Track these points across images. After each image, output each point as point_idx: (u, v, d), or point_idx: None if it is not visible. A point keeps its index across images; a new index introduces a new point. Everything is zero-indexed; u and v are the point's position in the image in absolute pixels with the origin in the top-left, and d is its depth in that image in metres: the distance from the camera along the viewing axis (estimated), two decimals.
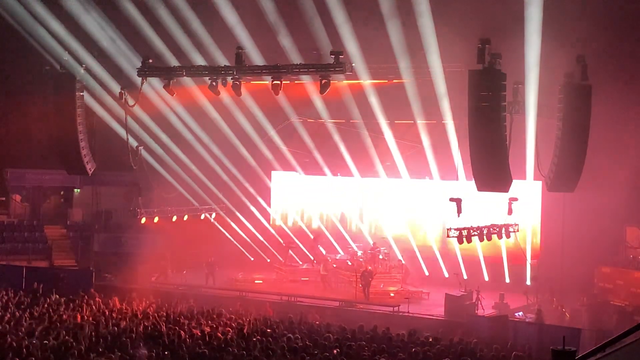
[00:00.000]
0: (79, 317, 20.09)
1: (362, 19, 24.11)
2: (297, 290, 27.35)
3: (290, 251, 31.11)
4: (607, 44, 24.17)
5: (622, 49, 24.92)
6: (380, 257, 28.85)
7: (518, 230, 25.74)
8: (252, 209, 32.35)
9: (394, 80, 26.72)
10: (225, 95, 25.05)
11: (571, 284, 26.55)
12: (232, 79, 21.62)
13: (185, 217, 31.40)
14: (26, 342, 16.31)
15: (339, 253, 30.73)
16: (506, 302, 25.77)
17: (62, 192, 36.26)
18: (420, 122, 27.02)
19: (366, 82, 26.41)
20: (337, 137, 29.50)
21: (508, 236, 25.00)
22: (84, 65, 24.80)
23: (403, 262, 29.24)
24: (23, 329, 18.06)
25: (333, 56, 20.21)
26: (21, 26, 25.18)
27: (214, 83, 21.83)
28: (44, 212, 35.37)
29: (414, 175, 29.62)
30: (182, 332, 18.23)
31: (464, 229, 23.75)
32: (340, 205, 32.95)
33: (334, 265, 29.19)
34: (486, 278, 28.61)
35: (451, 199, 23.20)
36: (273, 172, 33.27)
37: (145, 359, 15.29)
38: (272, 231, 32.76)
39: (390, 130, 28.07)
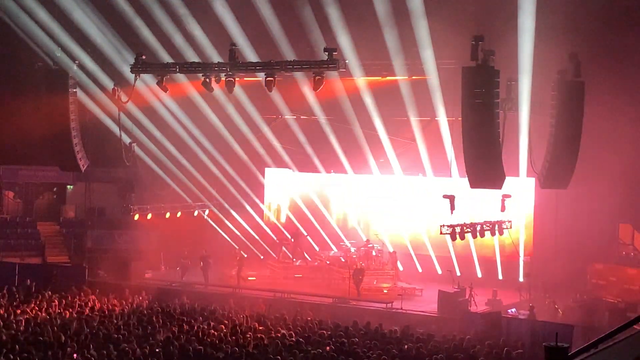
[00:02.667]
0: (69, 313, 20.10)
1: (356, 15, 24.09)
2: (290, 287, 27.35)
3: (283, 248, 31.13)
4: (600, 41, 24.21)
5: (616, 45, 24.94)
6: (374, 253, 28.89)
7: (511, 227, 25.81)
8: (246, 205, 32.33)
9: (388, 77, 26.73)
10: (218, 92, 25.02)
11: (564, 280, 26.60)
12: (225, 75, 21.59)
13: (179, 214, 31.39)
14: (20, 338, 16.30)
15: (332, 250, 30.73)
16: (499, 299, 25.82)
17: (55, 189, 36.19)
18: (414, 119, 27.02)
19: (360, 78, 26.40)
20: (330, 134, 29.50)
21: (501, 233, 25.06)
22: (77, 62, 24.77)
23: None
24: (16, 325, 18.04)
25: (327, 53, 20.20)
26: (14, 22, 25.10)
27: (207, 80, 21.80)
28: (37, 209, 35.30)
29: (408, 172, 29.62)
30: (175, 329, 18.24)
31: (457, 225, 23.79)
32: (334, 201, 32.96)
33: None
34: (479, 275, 28.64)
35: (444, 196, 23.24)
36: (266, 169, 33.27)
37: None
38: (266, 228, 32.75)
39: (384, 127, 28.07)
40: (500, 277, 28.55)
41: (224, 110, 28.33)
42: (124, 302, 22.71)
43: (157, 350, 15.78)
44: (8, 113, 29.75)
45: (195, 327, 18.49)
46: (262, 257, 32.06)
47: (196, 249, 29.71)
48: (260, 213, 33.19)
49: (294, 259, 30.71)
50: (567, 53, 20.16)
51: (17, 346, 15.60)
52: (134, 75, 22.48)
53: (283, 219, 33.63)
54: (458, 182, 24.77)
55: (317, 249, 31.25)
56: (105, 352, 15.49)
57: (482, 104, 18.40)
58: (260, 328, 18.74)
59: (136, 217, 29.77)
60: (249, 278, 29.35)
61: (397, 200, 31.17)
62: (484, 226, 24.38)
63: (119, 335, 17.05)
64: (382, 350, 16.50)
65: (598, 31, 23.93)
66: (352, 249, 29.49)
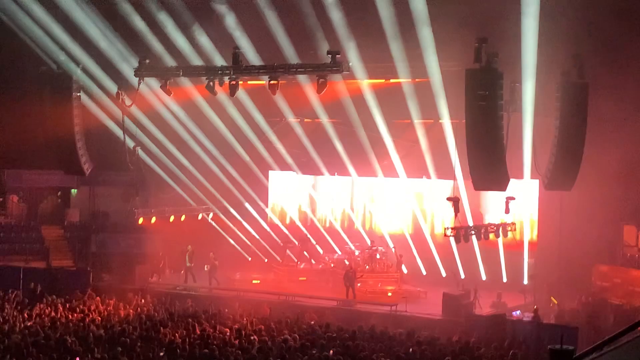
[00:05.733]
0: (73, 317, 20.12)
1: (359, 18, 24.10)
2: (294, 290, 27.34)
3: (287, 251, 31.14)
4: (604, 42, 24.19)
5: (620, 46, 24.92)
6: (378, 256, 28.87)
7: (515, 229, 25.77)
8: (250, 208, 32.33)
9: (391, 80, 26.73)
10: (222, 95, 25.03)
11: (568, 282, 26.57)
12: (229, 79, 21.59)
13: (183, 217, 31.40)
14: (24, 343, 16.30)
15: (337, 253, 30.73)
16: (504, 301, 25.81)
17: (59, 193, 36.16)
18: (418, 122, 27.02)
19: (363, 81, 26.41)
20: (334, 137, 29.50)
21: (505, 235, 24.99)
22: (80, 66, 24.76)
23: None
24: (20, 330, 18.05)
25: (330, 56, 20.19)
26: (17, 26, 25.13)
27: (210, 83, 21.81)
28: (41, 213, 35.28)
29: (411, 174, 29.63)
30: (179, 332, 18.24)
31: (461, 228, 23.75)
32: (338, 204, 32.95)
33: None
34: (484, 277, 28.60)
35: (448, 198, 23.23)
36: (270, 172, 33.27)
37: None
38: (270, 231, 32.74)
39: (388, 129, 28.07)
40: (504, 279, 28.53)
41: (227, 113, 28.34)
42: (129, 306, 22.71)
43: (161, 354, 15.77)
44: (12, 117, 29.79)
45: (200, 331, 18.48)
46: (266, 260, 32.07)
47: (200, 253, 29.77)
48: (264, 216, 33.21)
49: (298, 262, 30.73)
50: (571, 54, 20.15)
51: (22, 350, 15.62)
52: (137, 79, 22.48)
53: (287, 222, 33.61)
54: (462, 184, 24.78)
55: (321, 252, 31.23)
56: (110, 355, 15.50)
57: (486, 106, 18.38)
58: (265, 331, 18.72)
59: (140, 220, 29.78)
60: (254, 281, 29.37)
61: (401, 203, 31.15)
62: (488, 228, 24.34)
63: (124, 339, 17.04)
64: (387, 353, 16.48)
65: (602, 32, 23.91)
66: (357, 252, 29.48)
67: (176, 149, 29.76)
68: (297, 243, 31.31)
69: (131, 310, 21.85)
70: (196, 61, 24.60)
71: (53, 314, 20.49)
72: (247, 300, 25.56)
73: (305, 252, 30.85)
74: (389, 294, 27.35)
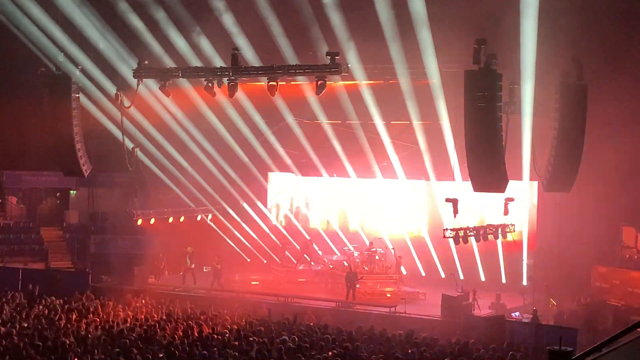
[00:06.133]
0: (72, 318, 20.10)
1: (359, 19, 24.09)
2: (293, 291, 27.33)
3: (286, 252, 31.14)
4: (604, 44, 24.18)
5: (619, 48, 24.92)
6: (377, 257, 28.86)
7: (514, 231, 25.76)
8: (249, 210, 32.32)
9: (390, 81, 26.72)
10: (221, 97, 25.01)
11: (567, 283, 26.56)
12: (228, 80, 21.58)
13: (182, 219, 31.39)
14: (22, 344, 16.28)
15: (336, 254, 30.72)
16: (503, 302, 25.79)
17: (58, 194, 36.18)
18: (417, 123, 27.02)
19: (362, 82, 26.41)
20: (333, 138, 29.49)
21: (504, 236, 25.02)
22: (79, 67, 24.75)
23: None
24: (19, 331, 18.03)
25: (329, 57, 20.19)
26: (16, 27, 25.12)
27: (209, 84, 21.80)
28: (40, 214, 35.30)
29: (410, 175, 29.64)
30: (178, 333, 18.23)
31: (460, 229, 23.76)
32: (337, 206, 32.94)
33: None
34: (482, 278, 28.61)
35: (447, 200, 23.23)
36: (269, 173, 33.26)
37: None
38: (269, 232, 32.72)
39: (387, 130, 28.07)
40: (503, 280, 28.54)
41: (226, 114, 28.32)
42: (128, 307, 22.69)
43: (160, 355, 15.76)
44: (11, 118, 29.76)
45: (199, 332, 18.47)
46: (265, 261, 32.06)
47: (199, 254, 29.75)
48: (264, 217, 33.18)
49: (297, 263, 30.71)
50: (570, 56, 20.15)
51: (21, 352, 15.60)
52: (136, 80, 22.48)
53: (286, 224, 33.59)
54: (461, 186, 24.77)
55: (320, 253, 31.22)
56: (109, 357, 15.48)
57: (485, 107, 18.38)
58: (263, 332, 18.71)
59: (139, 221, 29.77)
60: (253, 282, 29.35)
61: (400, 204, 31.15)
62: (487, 230, 24.35)
63: (123, 340, 17.03)
64: (385, 354, 16.47)
65: (601, 34, 23.90)
66: (356, 253, 29.46)
67: (175, 150, 29.74)
68: (298, 247, 31.29)
69: (130, 312, 21.83)
70: (195, 62, 24.59)
71: (52, 315, 20.45)
72: (246, 301, 25.55)
73: (306, 256, 30.82)
74: (388, 295, 27.34)
